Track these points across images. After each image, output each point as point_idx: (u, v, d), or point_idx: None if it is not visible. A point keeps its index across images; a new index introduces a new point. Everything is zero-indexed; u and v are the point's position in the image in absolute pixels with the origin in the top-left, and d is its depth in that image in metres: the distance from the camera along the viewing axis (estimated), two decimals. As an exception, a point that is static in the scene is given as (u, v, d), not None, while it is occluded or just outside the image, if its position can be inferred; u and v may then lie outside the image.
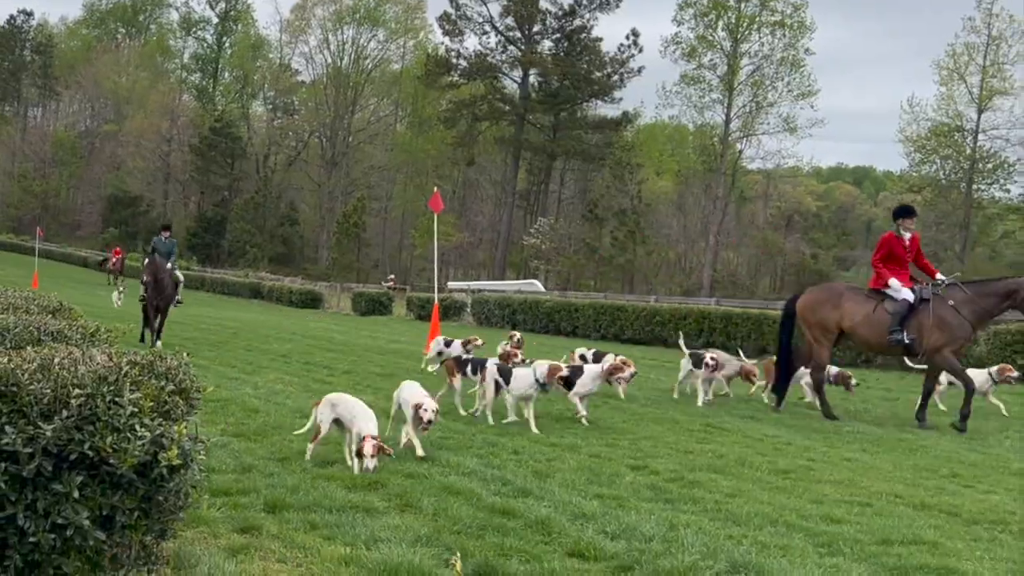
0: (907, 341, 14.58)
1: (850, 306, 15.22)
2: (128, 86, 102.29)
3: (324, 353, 21.19)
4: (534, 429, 11.62)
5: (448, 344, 18.09)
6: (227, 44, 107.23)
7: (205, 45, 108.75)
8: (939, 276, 15.07)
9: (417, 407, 9.42)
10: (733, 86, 70.79)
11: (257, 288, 59.68)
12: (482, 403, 12.64)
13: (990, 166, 64.91)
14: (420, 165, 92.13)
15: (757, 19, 70.28)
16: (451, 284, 60.88)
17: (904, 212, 15.67)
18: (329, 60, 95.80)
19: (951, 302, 14.45)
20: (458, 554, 5.69)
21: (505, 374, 12.50)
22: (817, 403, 15.45)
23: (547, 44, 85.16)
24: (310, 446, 9.10)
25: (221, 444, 9.11)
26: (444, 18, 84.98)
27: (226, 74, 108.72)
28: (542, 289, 53.18)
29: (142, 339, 20.58)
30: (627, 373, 13.18)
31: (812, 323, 15.57)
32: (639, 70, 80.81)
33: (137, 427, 4.50)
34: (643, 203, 74.85)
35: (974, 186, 65.01)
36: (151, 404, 4.66)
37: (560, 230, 75.97)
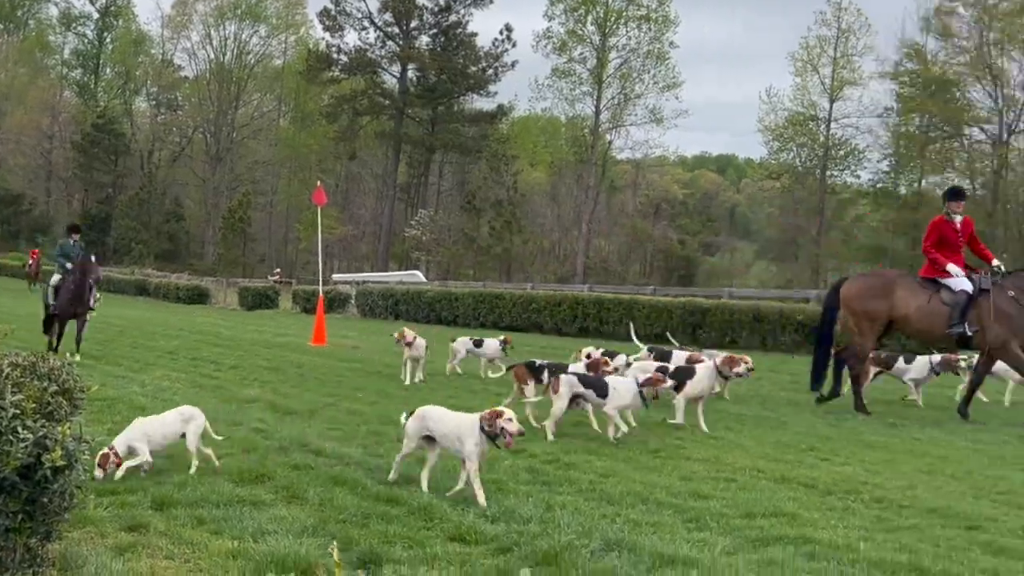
0: (969, 334, 13.38)
1: (902, 295, 13.93)
2: (7, 82, 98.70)
3: (211, 348, 20.84)
4: (616, 434, 10.39)
5: (478, 344, 16.66)
6: (108, 40, 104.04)
7: (86, 41, 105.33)
8: (995, 262, 13.89)
9: (496, 415, 7.47)
10: (602, 79, 71.42)
11: (143, 285, 58.22)
12: (551, 419, 10.67)
13: (842, 153, 66.64)
14: (303, 160, 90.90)
15: (624, 14, 70.95)
16: (335, 277, 60.33)
17: (953, 195, 14.71)
18: (212, 56, 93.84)
19: (1011, 292, 13.36)
20: (335, 543, 5.65)
21: (596, 385, 10.62)
22: (911, 397, 14.85)
23: (424, 39, 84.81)
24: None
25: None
26: (324, 14, 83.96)
27: (108, 70, 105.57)
28: (423, 279, 53.08)
29: (54, 348, 17.70)
30: (743, 368, 12.05)
31: (858, 312, 14.24)
32: (513, 64, 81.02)
33: (19, 429, 4.40)
34: (519, 194, 75.03)
35: (828, 172, 66.70)
36: (33, 406, 4.55)
37: (440, 221, 75.82)
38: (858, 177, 67.05)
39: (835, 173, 67.40)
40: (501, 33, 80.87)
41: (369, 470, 8.42)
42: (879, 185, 65.12)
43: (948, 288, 13.64)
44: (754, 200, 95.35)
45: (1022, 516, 7.73)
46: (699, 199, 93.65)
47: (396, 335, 16.16)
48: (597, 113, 72.39)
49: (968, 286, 13.47)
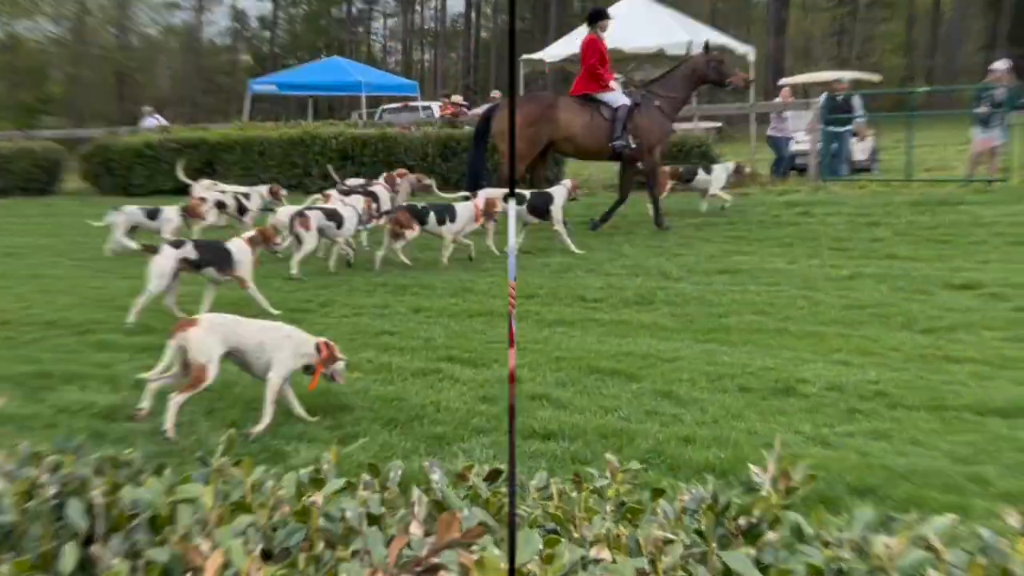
0: (633, 146, 11.74)
1: (566, 116, 11.76)
2: None
3: None
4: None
5: (153, 216, 11.32)
6: None
7: None
8: (617, 75, 12.49)
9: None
10: None
11: None
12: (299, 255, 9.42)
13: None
14: None
15: None
16: None
17: (602, 15, 12.32)
18: None
19: (657, 102, 11.91)
20: None
21: (336, 217, 9.67)
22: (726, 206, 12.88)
23: None
24: None
25: None
26: None
27: None
28: None
29: None
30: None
31: (521, 137, 11.81)
32: None
33: None
34: None
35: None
36: None
37: None
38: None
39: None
40: None
41: None
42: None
43: (607, 104, 11.93)
44: None
45: (120, 315, 7.62)
46: None
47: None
48: None
49: (627, 100, 11.88)
